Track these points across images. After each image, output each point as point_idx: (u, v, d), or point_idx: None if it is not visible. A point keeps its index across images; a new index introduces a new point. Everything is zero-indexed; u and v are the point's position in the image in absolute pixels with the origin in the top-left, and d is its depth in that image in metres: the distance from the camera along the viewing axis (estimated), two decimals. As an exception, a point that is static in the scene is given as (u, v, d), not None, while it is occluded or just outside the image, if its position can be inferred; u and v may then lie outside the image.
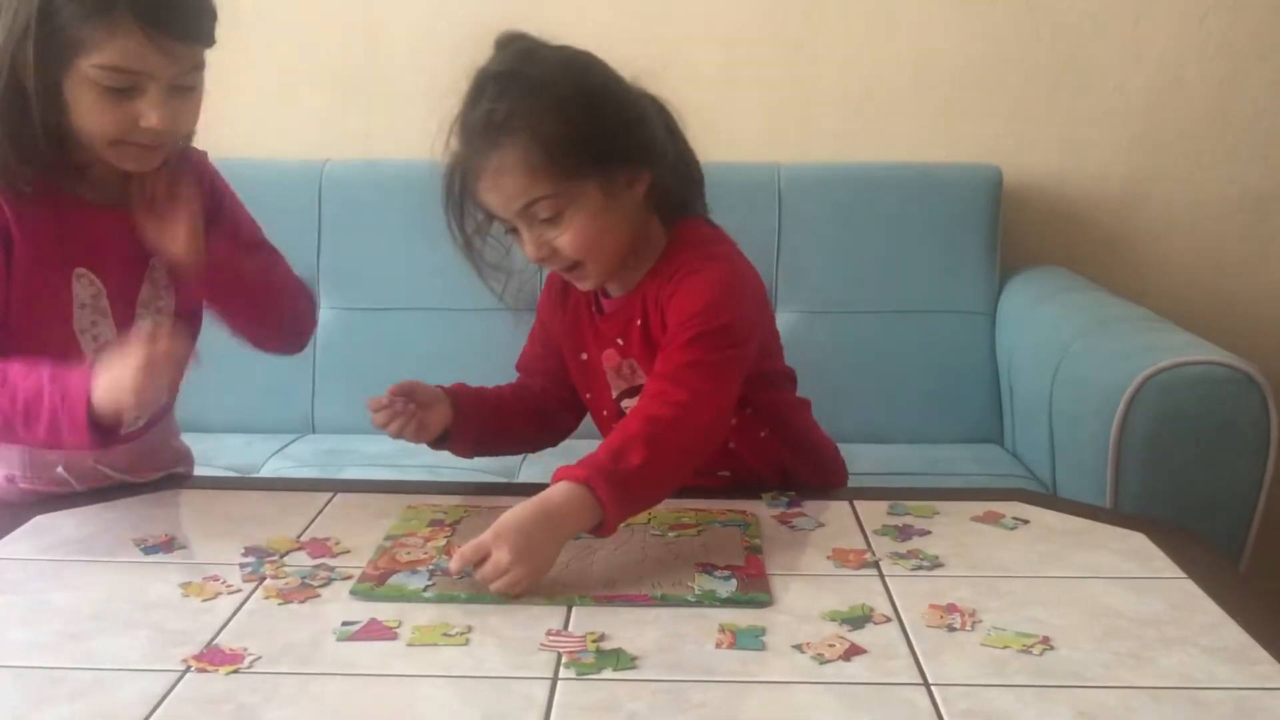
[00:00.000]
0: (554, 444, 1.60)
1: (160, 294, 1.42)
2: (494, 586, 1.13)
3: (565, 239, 1.31)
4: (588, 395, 1.51)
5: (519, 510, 1.16)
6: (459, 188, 1.34)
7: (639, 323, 1.41)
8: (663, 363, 1.33)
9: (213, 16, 1.26)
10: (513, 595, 1.14)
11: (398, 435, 1.42)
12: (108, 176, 1.33)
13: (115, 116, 1.23)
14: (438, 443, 1.47)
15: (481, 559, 1.14)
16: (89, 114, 1.23)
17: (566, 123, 1.28)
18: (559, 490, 1.19)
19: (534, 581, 1.14)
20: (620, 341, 1.44)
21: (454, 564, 1.16)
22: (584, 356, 1.48)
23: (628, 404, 1.45)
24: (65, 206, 1.32)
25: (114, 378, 1.18)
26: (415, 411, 1.41)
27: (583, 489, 1.19)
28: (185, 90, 1.26)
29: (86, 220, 1.34)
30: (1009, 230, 2.39)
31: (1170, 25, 2.38)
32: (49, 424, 1.21)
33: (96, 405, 1.19)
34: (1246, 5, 2.36)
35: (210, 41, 1.28)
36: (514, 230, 1.35)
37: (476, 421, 1.47)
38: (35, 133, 1.23)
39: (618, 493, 1.19)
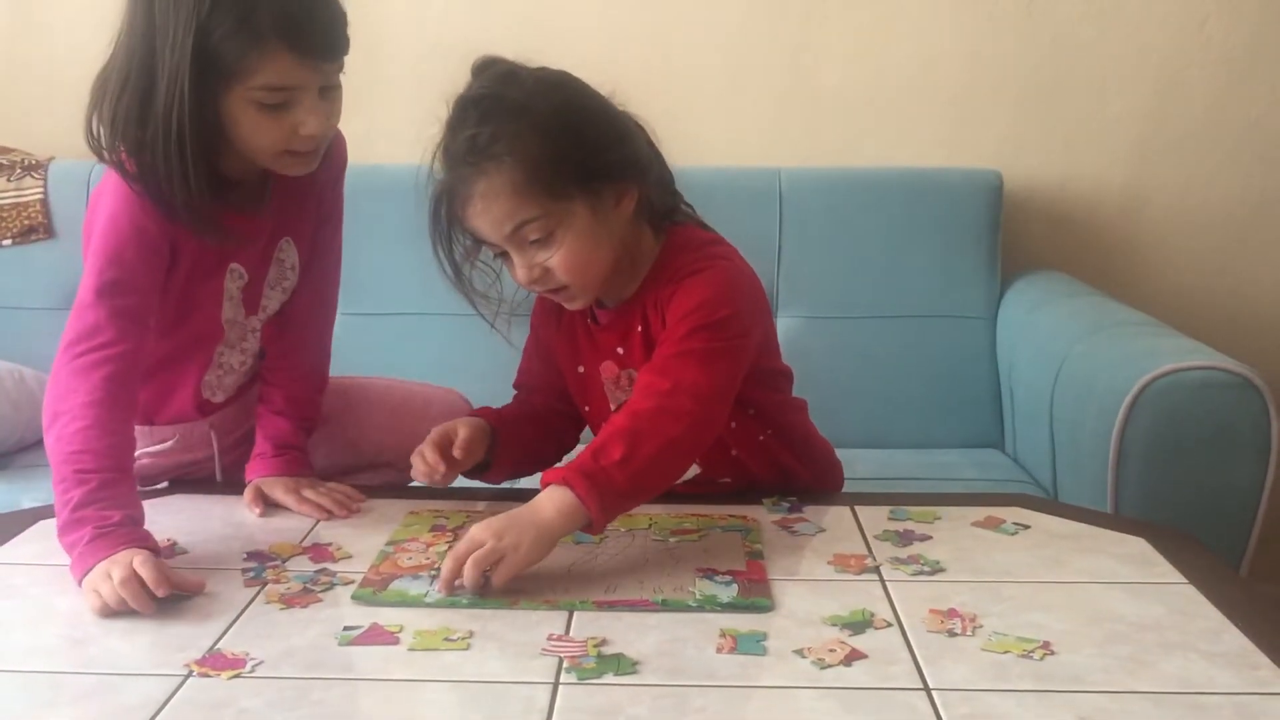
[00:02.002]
0: (560, 459, 1.58)
1: (286, 274, 1.51)
2: (473, 559, 1.14)
3: (556, 260, 1.31)
4: (586, 408, 1.50)
5: (484, 524, 1.18)
6: (446, 216, 1.34)
7: (639, 329, 1.41)
8: (654, 357, 1.34)
9: (345, 22, 1.34)
10: (495, 583, 1.15)
11: (445, 485, 1.40)
12: (253, 187, 1.42)
13: (277, 129, 1.31)
14: (473, 473, 1.45)
15: (464, 556, 1.15)
16: (253, 132, 1.31)
17: (550, 143, 1.28)
18: (545, 494, 1.20)
19: (518, 568, 1.15)
20: (620, 351, 1.43)
21: (440, 584, 1.16)
22: (581, 370, 1.48)
23: None
24: (228, 212, 1.38)
25: (104, 574, 1.15)
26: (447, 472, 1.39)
27: (564, 490, 1.20)
28: (332, 89, 1.34)
29: (239, 225, 1.40)
30: (1010, 235, 2.39)
31: (1170, 31, 2.38)
32: (70, 505, 1.22)
33: (82, 570, 1.17)
34: (1246, 11, 2.37)
35: (348, 49, 1.35)
36: (504, 255, 1.34)
37: (513, 451, 1.47)
38: (196, 165, 1.29)
39: (599, 490, 1.19)
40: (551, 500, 1.20)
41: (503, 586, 1.16)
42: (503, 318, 1.43)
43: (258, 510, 1.41)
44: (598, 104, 1.35)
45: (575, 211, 1.30)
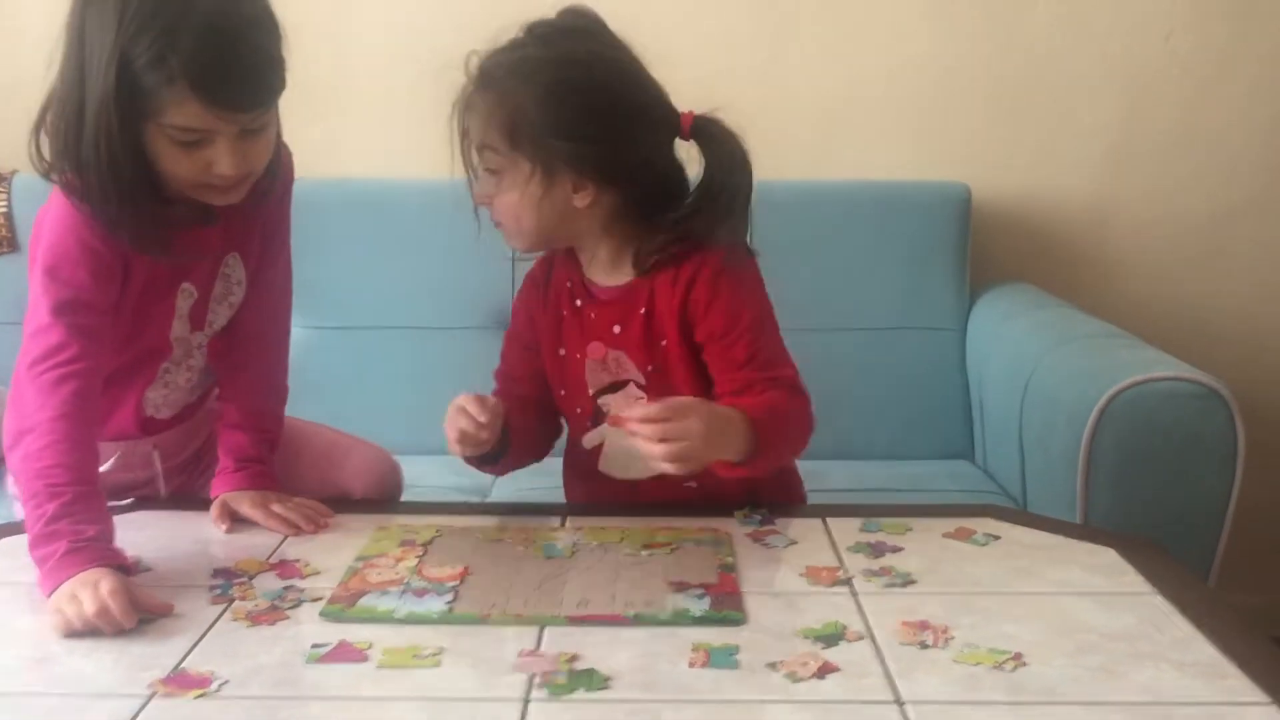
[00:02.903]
0: (550, 450, 1.57)
1: (232, 289, 1.49)
2: (664, 451, 1.23)
3: (496, 198, 1.37)
4: (562, 392, 1.49)
5: (699, 401, 1.29)
6: (458, 116, 1.38)
7: (643, 311, 1.41)
8: (747, 372, 1.38)
9: (278, 72, 1.30)
10: (672, 468, 1.24)
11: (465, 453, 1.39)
12: (198, 204, 1.37)
13: (192, 164, 1.28)
14: (481, 461, 1.43)
15: (662, 421, 1.23)
16: (168, 163, 1.29)
17: (539, 103, 1.32)
18: (727, 408, 1.31)
19: (696, 467, 1.26)
20: (617, 329, 1.43)
21: (636, 419, 1.24)
22: (562, 352, 1.48)
23: (606, 400, 1.45)
24: (173, 230, 1.36)
25: (70, 595, 1.14)
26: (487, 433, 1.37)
27: (743, 416, 1.30)
28: (255, 132, 1.30)
29: (189, 240, 1.39)
30: (978, 247, 2.40)
31: (1136, 45, 2.40)
32: (44, 518, 1.20)
33: (52, 585, 1.16)
34: (1210, 25, 2.39)
35: (272, 101, 1.31)
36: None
37: (522, 438, 1.46)
38: (130, 186, 1.28)
39: (767, 434, 1.31)
40: (736, 421, 1.29)
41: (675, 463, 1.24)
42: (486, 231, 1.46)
43: (224, 526, 1.40)
44: (625, 105, 1.36)
45: (523, 171, 1.34)
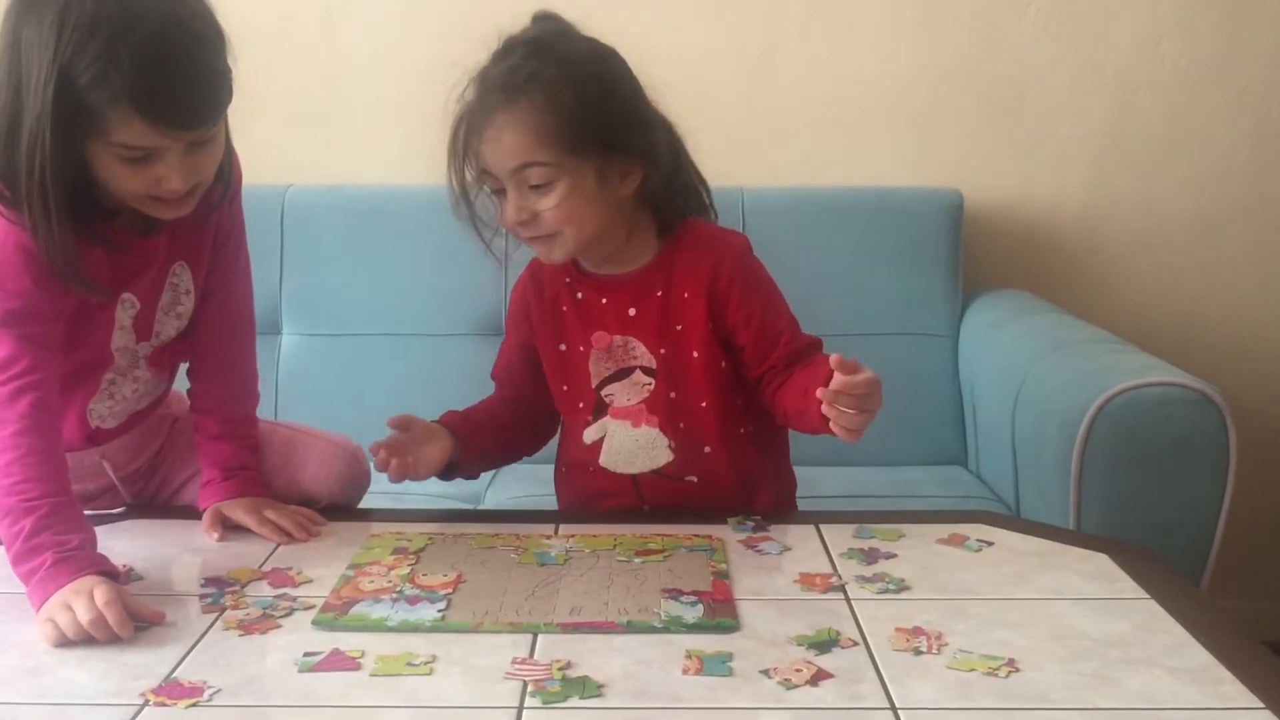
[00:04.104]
0: (541, 446, 1.60)
1: (180, 299, 1.45)
2: (850, 423, 1.26)
3: (549, 209, 1.34)
4: (565, 388, 1.50)
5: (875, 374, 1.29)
6: (464, 138, 1.36)
7: (660, 294, 1.43)
8: (782, 364, 1.43)
9: (225, 85, 1.26)
10: (853, 440, 1.28)
11: (399, 477, 1.41)
12: (139, 215, 1.33)
13: (139, 179, 1.25)
14: (447, 473, 1.47)
15: (862, 387, 1.26)
16: (115, 179, 1.25)
17: (582, 100, 1.32)
18: None
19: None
20: (631, 312, 1.44)
21: (856, 375, 1.25)
22: (563, 348, 1.48)
23: (609, 390, 1.46)
24: (113, 243, 1.34)
25: (63, 604, 1.13)
26: (409, 450, 1.41)
27: None
28: (203, 144, 1.27)
29: (132, 251, 1.36)
30: (970, 253, 2.40)
31: (1126, 51, 2.41)
32: (22, 534, 1.19)
33: (43, 597, 1.15)
34: (1200, 31, 2.40)
35: (220, 115, 1.28)
36: (499, 193, 1.37)
37: (478, 443, 1.49)
38: (60, 208, 1.23)
39: None
40: None
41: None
42: (497, 259, 1.48)
43: (216, 535, 1.39)
44: (634, 87, 1.40)
45: (582, 170, 1.34)
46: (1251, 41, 2.40)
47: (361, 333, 2.30)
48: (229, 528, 1.41)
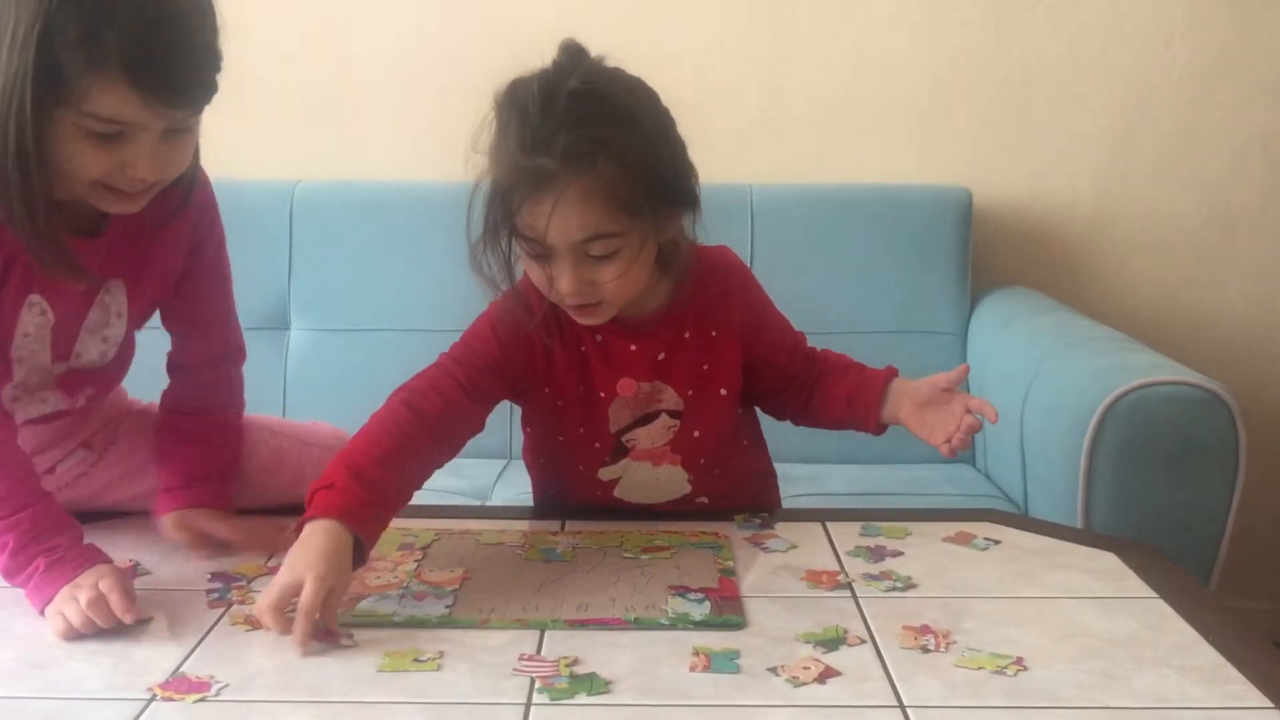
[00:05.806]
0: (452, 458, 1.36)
1: (110, 321, 1.31)
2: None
3: (611, 279, 1.23)
4: (581, 430, 1.38)
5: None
6: (515, 203, 1.20)
7: (687, 335, 1.36)
8: (806, 346, 1.48)
9: (214, 68, 1.14)
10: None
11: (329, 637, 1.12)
12: (82, 209, 1.21)
13: (103, 160, 1.12)
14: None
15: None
16: (73, 156, 1.11)
17: (654, 164, 1.21)
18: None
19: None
20: (661, 357, 1.35)
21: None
22: (581, 390, 1.36)
23: (632, 435, 1.38)
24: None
25: (69, 598, 1.12)
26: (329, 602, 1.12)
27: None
28: (179, 133, 1.15)
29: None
30: (979, 251, 2.40)
31: (1137, 48, 2.40)
32: (7, 550, 1.16)
33: (45, 598, 1.14)
34: (1210, 29, 2.39)
35: (208, 99, 1.15)
36: (540, 258, 1.23)
37: (385, 521, 1.23)
38: (38, 180, 1.11)
39: None
40: None
41: None
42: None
43: (204, 552, 1.30)
44: (667, 115, 1.27)
45: (644, 232, 1.23)
46: (1262, 41, 2.40)
47: (370, 328, 2.30)
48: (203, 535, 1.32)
